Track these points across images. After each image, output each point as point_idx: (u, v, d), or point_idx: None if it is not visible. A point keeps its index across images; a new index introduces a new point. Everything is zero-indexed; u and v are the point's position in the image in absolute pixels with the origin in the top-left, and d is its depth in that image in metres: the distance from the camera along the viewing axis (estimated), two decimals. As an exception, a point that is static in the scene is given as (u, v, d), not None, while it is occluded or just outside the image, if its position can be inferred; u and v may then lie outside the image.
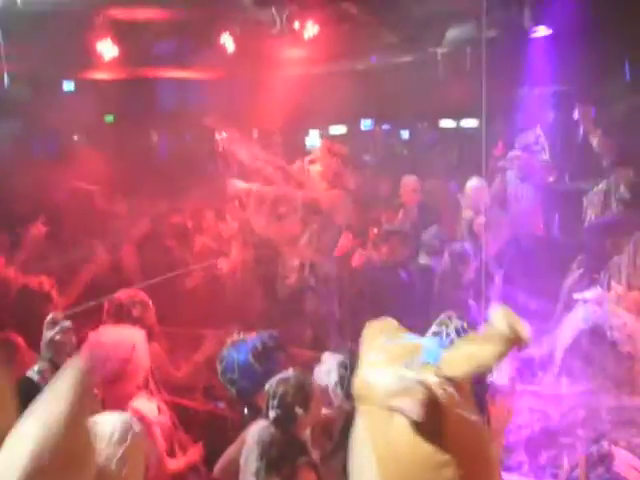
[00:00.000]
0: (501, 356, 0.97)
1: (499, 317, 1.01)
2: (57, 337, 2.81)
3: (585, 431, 4.02)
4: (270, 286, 5.27)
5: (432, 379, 0.95)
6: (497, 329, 1.00)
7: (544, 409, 4.36)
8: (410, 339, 1.15)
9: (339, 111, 7.18)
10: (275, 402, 2.55)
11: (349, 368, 2.70)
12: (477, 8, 4.69)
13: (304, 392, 2.60)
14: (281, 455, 2.48)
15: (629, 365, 4.74)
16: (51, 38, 5.22)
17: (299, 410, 2.54)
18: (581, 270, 5.21)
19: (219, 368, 2.94)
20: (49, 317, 2.88)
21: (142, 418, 2.82)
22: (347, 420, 2.63)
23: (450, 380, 0.98)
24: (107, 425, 1.52)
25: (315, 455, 2.68)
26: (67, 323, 2.87)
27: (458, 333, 2.18)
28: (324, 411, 2.83)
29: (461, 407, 0.98)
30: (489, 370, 0.99)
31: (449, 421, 0.94)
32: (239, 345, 2.98)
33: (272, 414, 2.54)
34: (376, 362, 1.12)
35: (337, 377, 2.70)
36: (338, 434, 2.68)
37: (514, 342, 0.98)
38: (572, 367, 4.85)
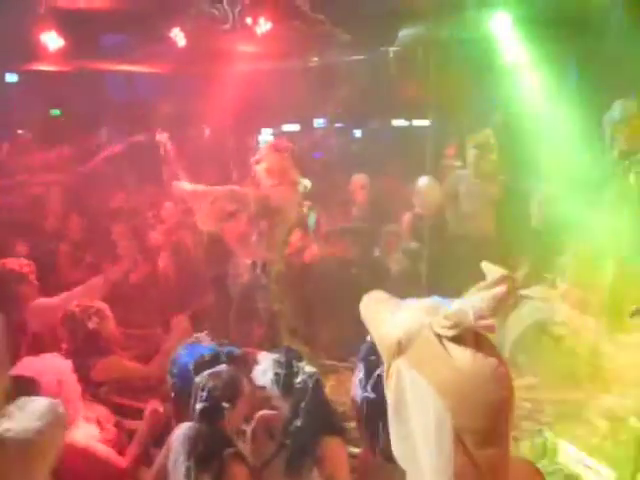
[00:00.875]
0: (511, 294, 1.13)
1: (490, 268, 1.21)
2: None
3: (530, 424, 4.12)
4: (222, 285, 5.21)
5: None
6: (495, 274, 1.17)
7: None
8: (418, 301, 1.29)
9: (291, 108, 7.17)
10: (203, 395, 2.54)
11: (285, 366, 2.69)
12: (430, 8, 4.75)
13: (233, 388, 2.60)
14: (207, 449, 2.46)
15: (573, 360, 4.89)
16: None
17: (226, 405, 2.53)
18: (527, 268, 5.34)
19: (170, 362, 2.91)
20: None
21: (85, 450, 2.75)
22: (287, 420, 2.64)
23: None
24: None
25: (258, 456, 2.67)
26: None
27: None
28: (264, 412, 2.82)
29: None
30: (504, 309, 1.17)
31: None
32: (194, 346, 2.93)
33: (199, 406, 2.53)
34: (411, 311, 1.23)
35: (272, 375, 2.69)
36: (280, 434, 2.67)
37: (512, 280, 1.16)
38: (518, 361, 4.97)
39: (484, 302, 1.12)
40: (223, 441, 2.51)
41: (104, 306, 3.68)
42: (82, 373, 3.10)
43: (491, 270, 1.19)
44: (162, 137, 5.04)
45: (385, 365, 1.21)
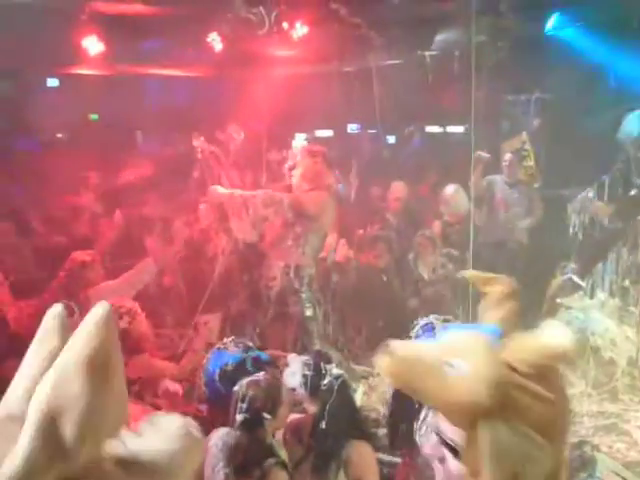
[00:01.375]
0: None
1: (557, 333, 1.10)
2: None
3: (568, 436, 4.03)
4: (255, 288, 5.21)
5: None
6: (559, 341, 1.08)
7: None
8: (442, 340, 1.14)
9: (326, 113, 7.16)
10: (244, 406, 2.50)
11: (312, 368, 2.69)
12: (466, 12, 4.70)
13: (273, 398, 2.56)
14: (248, 459, 2.44)
15: (611, 371, 4.77)
16: (36, 33, 5.12)
17: (267, 416, 2.50)
18: (565, 277, 5.24)
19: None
20: None
21: None
22: (314, 423, 2.62)
23: None
24: None
25: (289, 461, 2.64)
26: None
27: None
28: (294, 416, 2.80)
29: None
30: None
31: None
32: (220, 353, 2.90)
33: (239, 418, 2.49)
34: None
35: (300, 377, 2.68)
36: (307, 438, 2.65)
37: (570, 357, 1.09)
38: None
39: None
40: (263, 450, 2.48)
41: (135, 306, 3.72)
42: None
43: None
44: (199, 142, 5.09)
45: (465, 436, 1.07)
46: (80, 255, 4.56)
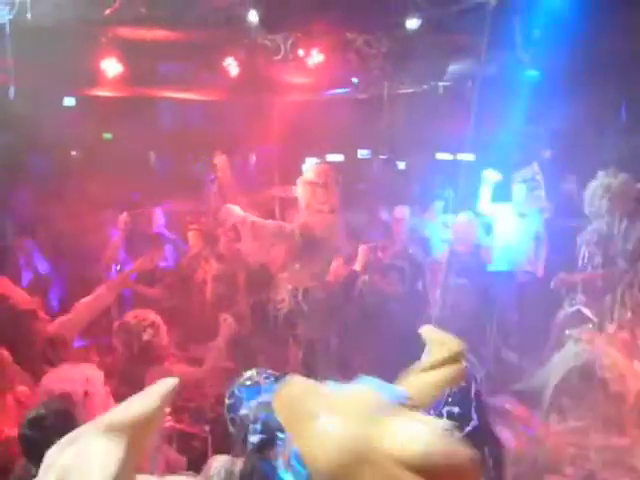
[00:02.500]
0: (458, 376, 1.05)
1: (433, 341, 1.10)
2: None
3: (574, 469, 3.99)
4: (263, 311, 5.23)
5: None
6: (437, 354, 1.08)
7: (533, 446, 4.32)
8: (343, 387, 1.07)
9: (338, 139, 7.24)
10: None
11: None
12: (479, 44, 4.79)
13: None
14: None
15: (619, 405, 4.72)
16: (57, 54, 5.24)
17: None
18: (574, 308, 5.22)
19: (226, 403, 2.83)
20: None
21: None
22: None
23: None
24: None
25: None
26: None
27: None
28: None
29: None
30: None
31: None
32: (253, 389, 2.86)
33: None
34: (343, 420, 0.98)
35: None
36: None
37: (456, 360, 1.06)
38: (561, 404, 4.83)
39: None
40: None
41: (158, 319, 3.79)
42: (136, 381, 3.15)
43: (432, 345, 1.06)
44: (220, 160, 5.15)
45: None
46: (19, 303, 3.99)
